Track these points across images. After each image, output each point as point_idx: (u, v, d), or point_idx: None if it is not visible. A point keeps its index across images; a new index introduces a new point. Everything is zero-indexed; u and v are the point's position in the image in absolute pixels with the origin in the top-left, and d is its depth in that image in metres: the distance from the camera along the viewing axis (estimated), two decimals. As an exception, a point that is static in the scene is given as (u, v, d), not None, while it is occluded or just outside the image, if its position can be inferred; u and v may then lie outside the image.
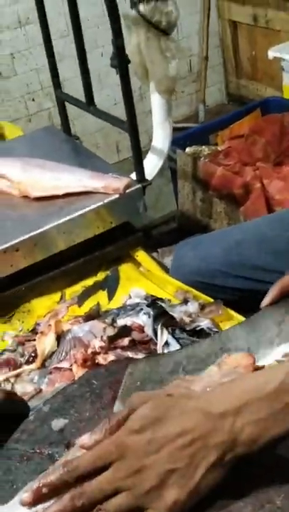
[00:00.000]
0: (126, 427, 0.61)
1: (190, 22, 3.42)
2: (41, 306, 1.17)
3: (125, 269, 1.24)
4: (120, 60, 1.14)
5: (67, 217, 1.15)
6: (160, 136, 1.45)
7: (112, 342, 0.98)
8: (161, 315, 1.01)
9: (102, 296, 1.18)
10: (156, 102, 1.43)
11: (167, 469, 0.58)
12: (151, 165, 1.40)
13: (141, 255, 1.26)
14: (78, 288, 1.21)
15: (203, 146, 1.93)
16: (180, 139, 1.99)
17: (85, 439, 0.63)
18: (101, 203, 1.17)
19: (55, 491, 0.60)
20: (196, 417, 0.59)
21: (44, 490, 0.60)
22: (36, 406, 0.80)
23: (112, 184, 1.18)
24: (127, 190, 1.18)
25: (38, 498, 0.60)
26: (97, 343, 0.98)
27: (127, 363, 0.82)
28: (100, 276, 1.23)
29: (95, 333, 1.01)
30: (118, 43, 1.11)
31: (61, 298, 1.19)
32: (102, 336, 0.99)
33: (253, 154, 1.84)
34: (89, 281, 1.22)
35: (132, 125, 1.20)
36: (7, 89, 3.00)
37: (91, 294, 1.18)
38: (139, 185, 1.19)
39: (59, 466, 0.61)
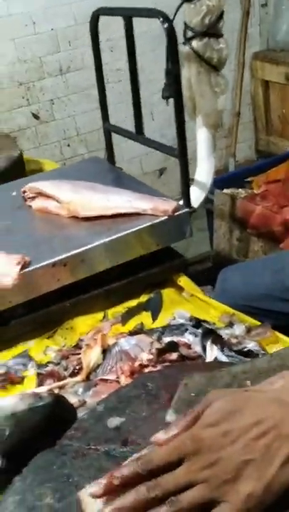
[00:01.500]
0: (201, 421, 0.60)
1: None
2: (84, 323, 1.17)
3: (168, 293, 1.24)
4: (176, 89, 1.18)
5: (115, 236, 1.16)
6: (204, 170, 1.48)
7: (159, 356, 0.97)
8: (209, 333, 1.01)
9: (145, 317, 1.17)
10: (202, 136, 1.46)
11: (242, 460, 0.56)
12: (194, 197, 1.42)
13: (184, 280, 1.26)
14: (121, 309, 1.20)
15: (240, 189, 1.96)
16: (216, 181, 2.02)
17: (160, 435, 0.62)
18: (149, 224, 1.18)
19: (127, 484, 0.58)
20: (271, 408, 0.58)
21: (115, 482, 0.59)
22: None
23: (160, 206, 1.19)
24: (175, 213, 1.19)
25: (108, 491, 0.59)
26: (144, 356, 0.97)
27: (181, 367, 0.80)
28: (143, 298, 1.23)
29: (142, 347, 1.00)
30: (175, 72, 1.15)
31: (104, 317, 1.19)
32: (150, 349, 0.98)
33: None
34: (132, 303, 1.22)
35: (183, 152, 1.22)
36: (45, 134, 3.09)
37: (134, 314, 1.18)
38: (187, 209, 1.21)
39: (132, 460, 0.60)
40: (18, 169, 1.82)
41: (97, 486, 0.59)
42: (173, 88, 1.19)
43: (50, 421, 0.80)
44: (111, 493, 0.59)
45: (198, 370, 0.80)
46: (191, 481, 0.57)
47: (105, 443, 0.70)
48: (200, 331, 1.03)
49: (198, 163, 1.49)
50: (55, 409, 0.81)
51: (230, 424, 0.58)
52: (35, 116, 3.04)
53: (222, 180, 2.05)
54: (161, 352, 0.97)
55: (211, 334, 0.99)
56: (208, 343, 0.96)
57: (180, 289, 1.26)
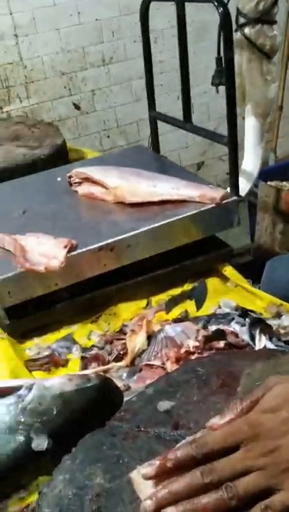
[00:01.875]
0: (260, 406, 0.58)
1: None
2: (127, 310, 1.16)
3: (213, 282, 1.22)
4: (229, 75, 1.16)
5: (162, 223, 1.15)
6: (251, 159, 1.45)
7: (206, 343, 0.96)
8: (258, 322, 0.99)
9: (189, 305, 1.16)
10: (251, 125, 1.43)
11: None
12: (240, 186, 1.40)
13: (229, 270, 1.24)
14: (164, 297, 1.19)
15: (284, 182, 1.93)
16: (260, 174, 1.99)
17: (215, 420, 0.60)
18: (196, 211, 1.16)
19: (180, 466, 0.57)
20: None
21: (169, 464, 0.58)
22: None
23: (208, 193, 1.17)
24: (223, 201, 1.17)
25: (161, 472, 0.58)
26: (191, 343, 0.95)
27: (231, 354, 0.79)
28: (187, 287, 1.21)
29: (188, 334, 0.99)
30: (229, 56, 1.13)
31: (147, 304, 1.18)
32: (196, 337, 0.97)
33: None
34: (176, 291, 1.20)
35: (233, 139, 1.20)
36: (85, 124, 3.09)
37: (178, 302, 1.17)
38: (235, 198, 1.19)
39: (186, 443, 0.59)
40: (62, 157, 1.82)
41: (150, 467, 0.58)
42: (226, 74, 1.16)
43: (98, 403, 0.79)
44: (163, 475, 0.58)
45: (249, 357, 0.79)
46: (247, 468, 0.56)
47: (155, 426, 0.69)
48: (247, 320, 1.01)
49: (246, 153, 1.46)
50: (103, 391, 0.81)
51: None
52: (77, 107, 3.04)
53: (266, 172, 2.02)
54: (208, 340, 0.96)
55: (259, 323, 0.97)
56: (257, 332, 0.94)
57: (225, 279, 1.24)
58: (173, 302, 1.16)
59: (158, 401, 0.72)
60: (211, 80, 1.35)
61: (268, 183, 1.92)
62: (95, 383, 0.80)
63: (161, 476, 0.58)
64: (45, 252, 1.08)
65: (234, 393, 0.70)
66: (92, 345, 1.05)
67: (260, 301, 1.14)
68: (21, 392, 0.80)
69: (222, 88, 1.23)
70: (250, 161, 1.45)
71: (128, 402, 0.74)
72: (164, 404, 0.72)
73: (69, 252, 1.08)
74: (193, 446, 0.58)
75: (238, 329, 1.01)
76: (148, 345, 1.01)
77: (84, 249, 1.10)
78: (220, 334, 0.97)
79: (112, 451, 0.66)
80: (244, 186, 1.45)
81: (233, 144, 1.20)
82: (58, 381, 0.81)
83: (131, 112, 3.11)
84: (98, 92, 3.06)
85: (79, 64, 2.97)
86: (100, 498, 0.61)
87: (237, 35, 1.35)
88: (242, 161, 1.48)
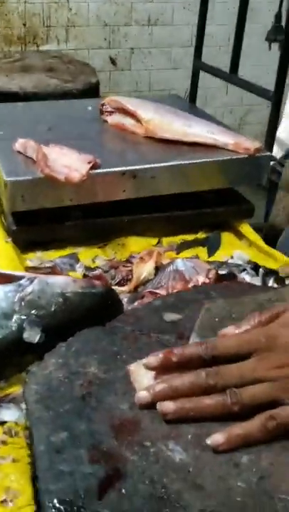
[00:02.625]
0: (278, 321, 0.55)
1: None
2: (137, 243, 1.12)
3: (227, 237, 1.18)
4: (287, 31, 1.11)
5: (191, 161, 1.11)
6: (287, 126, 1.41)
7: (217, 282, 0.92)
8: (271, 273, 0.96)
9: (201, 251, 1.12)
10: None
11: None
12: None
13: (246, 227, 1.21)
14: (176, 239, 1.16)
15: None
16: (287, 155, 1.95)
17: (230, 329, 0.57)
18: (228, 158, 1.13)
19: (185, 363, 0.54)
20: None
21: (174, 358, 0.54)
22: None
23: (243, 143, 1.14)
24: (257, 154, 1.14)
25: (164, 364, 0.54)
26: (201, 279, 0.92)
27: (244, 287, 0.76)
28: (201, 235, 1.18)
29: (198, 271, 0.95)
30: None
31: (158, 242, 1.14)
32: (207, 274, 0.93)
33: None
34: (189, 237, 1.17)
35: (279, 95, 1.16)
36: (117, 82, 3.04)
37: (191, 246, 1.13)
38: (268, 153, 1.15)
39: (195, 344, 0.56)
40: (94, 95, 1.78)
41: (153, 358, 0.55)
42: (285, 28, 1.12)
43: (100, 309, 0.76)
44: (165, 370, 0.55)
45: (258, 292, 0.75)
46: (257, 378, 0.53)
47: (159, 333, 0.65)
48: (261, 270, 0.97)
49: (283, 120, 1.42)
50: (107, 299, 0.78)
51: None
52: (113, 61, 2.99)
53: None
54: (218, 278, 0.92)
55: (273, 274, 0.94)
56: (271, 280, 0.91)
57: (240, 236, 1.21)
58: (185, 245, 1.13)
59: (165, 312, 0.69)
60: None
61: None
62: (99, 290, 0.77)
63: (162, 371, 0.55)
64: (68, 163, 1.04)
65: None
66: (97, 267, 1.02)
67: (274, 262, 1.10)
68: (22, 282, 0.77)
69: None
70: (286, 129, 1.41)
71: (132, 309, 0.71)
72: (170, 316, 0.68)
73: (92, 168, 1.04)
74: (202, 346, 0.54)
75: (250, 280, 0.97)
76: (155, 275, 0.97)
77: (107, 170, 1.06)
78: (232, 276, 0.94)
79: (110, 347, 0.63)
80: (275, 152, 1.40)
81: (278, 100, 1.16)
82: (61, 280, 0.78)
83: (166, 78, 3.06)
84: (137, 51, 3.01)
85: (124, 19, 2.91)
86: (92, 386, 0.58)
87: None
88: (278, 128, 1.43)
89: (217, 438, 0.50)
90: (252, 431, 0.50)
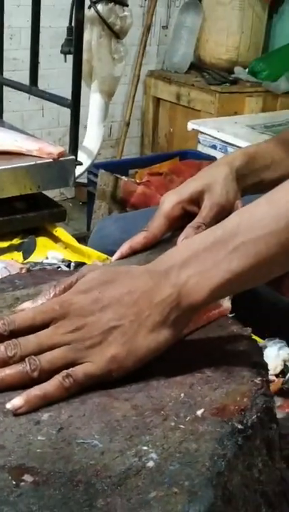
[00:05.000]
0: (73, 289, 0.58)
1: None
2: None
3: (42, 240, 1.22)
4: (76, 42, 1.19)
5: (-3, 169, 1.13)
6: (93, 136, 1.49)
7: (29, 279, 0.94)
8: (82, 264, 1.00)
9: (16, 255, 1.14)
10: (96, 103, 1.47)
11: (110, 326, 0.55)
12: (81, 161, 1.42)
13: (60, 231, 1.25)
14: (-9, 247, 1.17)
15: (123, 177, 1.99)
16: (101, 165, 2.04)
17: (26, 304, 0.60)
18: (32, 163, 1.16)
19: None
20: (143, 278, 0.58)
21: None
22: None
23: (46, 148, 1.18)
24: (61, 159, 1.18)
25: None
26: (13, 277, 0.93)
27: (53, 271, 0.79)
28: (16, 241, 1.20)
29: (10, 270, 0.97)
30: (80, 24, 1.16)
31: None
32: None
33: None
34: (3, 244, 1.18)
35: (76, 102, 1.23)
36: None
37: (5, 252, 1.15)
38: (72, 157, 1.20)
39: None
40: None
41: None
42: (74, 40, 1.19)
43: None
44: None
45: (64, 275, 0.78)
46: (54, 343, 0.55)
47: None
48: (72, 264, 1.02)
49: (88, 129, 1.50)
50: None
51: (102, 293, 0.57)
52: None
53: (105, 165, 2.07)
54: (31, 275, 0.94)
55: (83, 265, 0.98)
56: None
57: (55, 239, 1.25)
58: (-1, 251, 1.14)
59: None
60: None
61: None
62: None
63: None
64: None
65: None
66: None
67: (88, 259, 1.16)
68: None
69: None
70: (93, 138, 1.48)
71: None
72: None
73: None
74: (0, 322, 0.56)
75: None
76: None
77: None
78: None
79: None
80: (85, 161, 1.47)
81: (75, 106, 1.23)
82: None
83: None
84: None
85: None
86: None
87: (90, 12, 1.39)
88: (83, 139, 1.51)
89: (15, 401, 0.51)
90: (50, 390, 0.53)
